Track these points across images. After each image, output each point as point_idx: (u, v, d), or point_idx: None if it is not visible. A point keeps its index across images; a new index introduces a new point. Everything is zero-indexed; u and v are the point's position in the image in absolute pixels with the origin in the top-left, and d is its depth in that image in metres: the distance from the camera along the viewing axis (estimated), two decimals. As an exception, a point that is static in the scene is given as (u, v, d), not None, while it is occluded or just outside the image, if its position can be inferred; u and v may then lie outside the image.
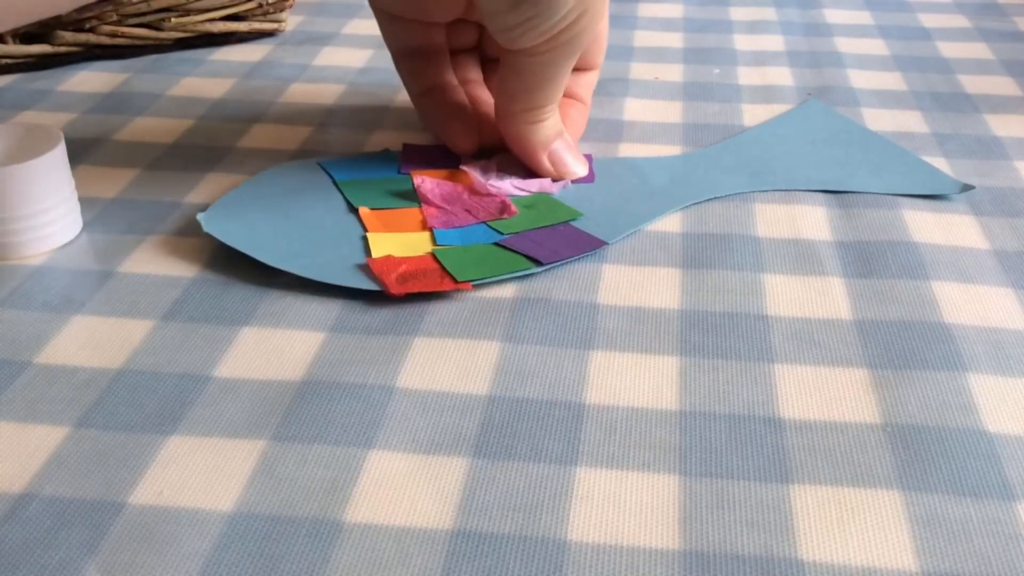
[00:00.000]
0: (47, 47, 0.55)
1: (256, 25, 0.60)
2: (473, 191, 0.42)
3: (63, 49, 0.56)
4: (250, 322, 0.35)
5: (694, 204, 0.42)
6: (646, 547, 0.26)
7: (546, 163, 0.43)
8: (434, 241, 0.39)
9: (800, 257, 0.39)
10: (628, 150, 0.47)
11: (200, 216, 0.39)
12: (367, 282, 0.36)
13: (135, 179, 0.44)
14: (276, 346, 0.34)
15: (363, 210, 0.40)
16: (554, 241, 0.39)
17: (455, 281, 0.36)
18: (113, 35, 0.56)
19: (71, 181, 0.40)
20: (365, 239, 0.39)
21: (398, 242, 0.38)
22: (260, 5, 0.59)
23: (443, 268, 0.37)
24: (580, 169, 0.43)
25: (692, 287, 0.37)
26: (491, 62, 0.48)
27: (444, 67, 0.45)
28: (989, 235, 0.40)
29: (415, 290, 0.35)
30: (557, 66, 0.40)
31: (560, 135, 0.43)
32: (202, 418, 0.31)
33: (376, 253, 0.38)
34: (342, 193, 0.42)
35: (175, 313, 0.35)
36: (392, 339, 0.34)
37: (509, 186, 0.43)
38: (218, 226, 0.39)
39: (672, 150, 0.47)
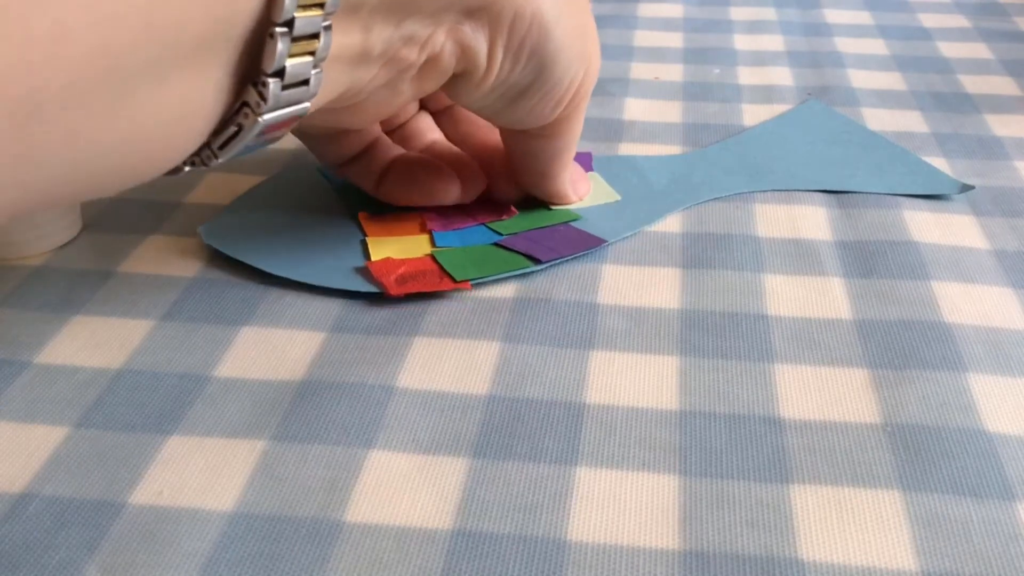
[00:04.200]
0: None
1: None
2: (473, 191, 0.42)
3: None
4: (250, 322, 0.35)
5: (694, 205, 0.42)
6: (646, 547, 0.26)
7: (573, 198, 0.41)
8: (433, 243, 0.39)
9: (800, 257, 0.39)
10: (628, 150, 0.47)
11: (201, 229, 0.39)
12: (366, 285, 0.36)
13: (135, 179, 0.44)
14: (276, 346, 0.34)
15: (362, 215, 0.40)
16: (553, 240, 0.39)
17: (454, 280, 0.36)
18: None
19: (71, 181, 0.39)
20: (364, 244, 0.39)
21: (397, 245, 0.38)
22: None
23: (442, 268, 0.37)
24: (587, 186, 0.43)
25: (692, 287, 0.37)
26: (440, 112, 0.42)
27: (392, 148, 0.40)
28: (989, 235, 0.40)
29: (414, 290, 0.35)
30: (570, 136, 0.38)
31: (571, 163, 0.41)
32: (202, 418, 0.31)
33: (376, 257, 0.38)
34: (341, 198, 0.42)
35: (175, 313, 0.35)
36: (392, 339, 0.34)
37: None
38: (218, 237, 0.39)
39: (672, 150, 0.47)
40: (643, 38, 0.61)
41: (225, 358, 0.33)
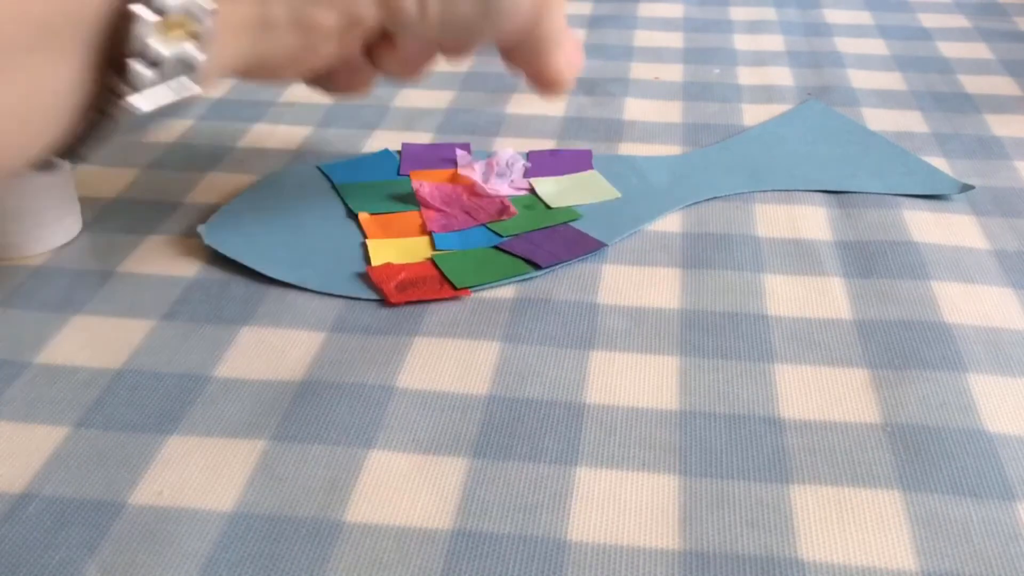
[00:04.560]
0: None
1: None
2: (472, 192, 0.42)
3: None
4: (250, 322, 0.35)
5: (694, 204, 0.42)
6: (646, 547, 0.26)
7: (569, 77, 0.36)
8: (433, 246, 0.39)
9: (800, 257, 0.39)
10: (628, 150, 0.47)
11: (200, 228, 0.39)
12: (367, 291, 0.36)
13: (135, 179, 0.44)
14: (276, 346, 0.34)
15: (362, 215, 0.40)
16: (553, 243, 0.39)
17: (454, 288, 0.36)
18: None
19: (71, 181, 0.40)
20: (364, 246, 0.39)
21: (397, 248, 0.38)
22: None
23: (442, 274, 0.37)
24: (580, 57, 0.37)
25: (692, 287, 0.37)
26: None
27: None
28: (989, 235, 0.40)
29: (414, 298, 0.36)
30: (554, 24, 0.33)
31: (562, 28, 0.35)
32: (202, 418, 0.31)
33: (376, 260, 0.38)
34: (341, 198, 0.42)
35: (175, 313, 0.35)
36: (392, 339, 0.34)
37: (508, 187, 0.43)
38: (219, 238, 0.39)
39: (672, 150, 0.47)
40: (643, 38, 0.61)
41: (225, 358, 0.33)
